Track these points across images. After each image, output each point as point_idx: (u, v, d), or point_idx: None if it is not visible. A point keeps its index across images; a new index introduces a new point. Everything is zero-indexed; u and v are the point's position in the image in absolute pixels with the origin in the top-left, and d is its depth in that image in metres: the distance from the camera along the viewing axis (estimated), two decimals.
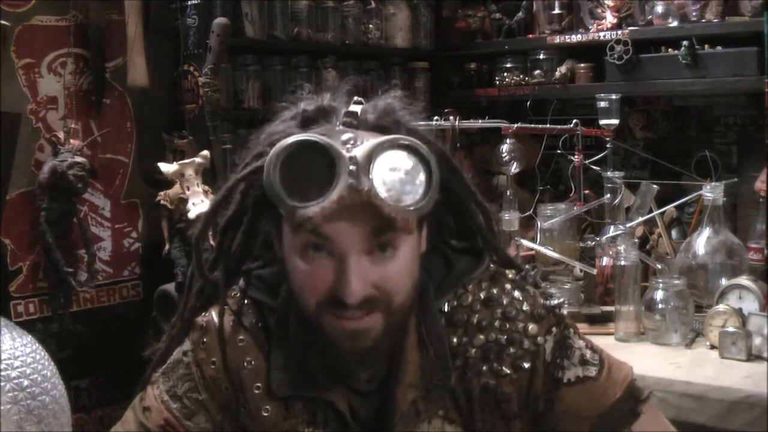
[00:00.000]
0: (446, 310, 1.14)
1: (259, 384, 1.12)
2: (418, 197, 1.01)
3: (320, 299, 1.03)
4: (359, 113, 1.07)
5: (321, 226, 0.99)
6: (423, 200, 1.01)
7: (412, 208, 1.00)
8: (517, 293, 1.15)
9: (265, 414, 1.12)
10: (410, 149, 1.02)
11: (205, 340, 1.16)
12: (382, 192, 0.99)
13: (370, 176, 0.98)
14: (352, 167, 0.98)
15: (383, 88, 1.14)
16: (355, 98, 1.11)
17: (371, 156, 0.99)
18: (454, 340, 1.12)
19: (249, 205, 1.13)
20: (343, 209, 0.98)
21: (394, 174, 1.00)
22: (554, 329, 1.14)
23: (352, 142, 1.01)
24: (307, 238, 1.02)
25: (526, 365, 1.12)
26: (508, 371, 1.11)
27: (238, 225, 1.14)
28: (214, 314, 1.16)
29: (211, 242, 1.20)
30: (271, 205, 1.03)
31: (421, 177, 1.01)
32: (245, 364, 1.13)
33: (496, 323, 1.13)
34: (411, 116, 1.11)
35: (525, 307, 1.14)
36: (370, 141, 1.01)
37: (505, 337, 1.12)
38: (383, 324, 1.04)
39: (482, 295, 1.14)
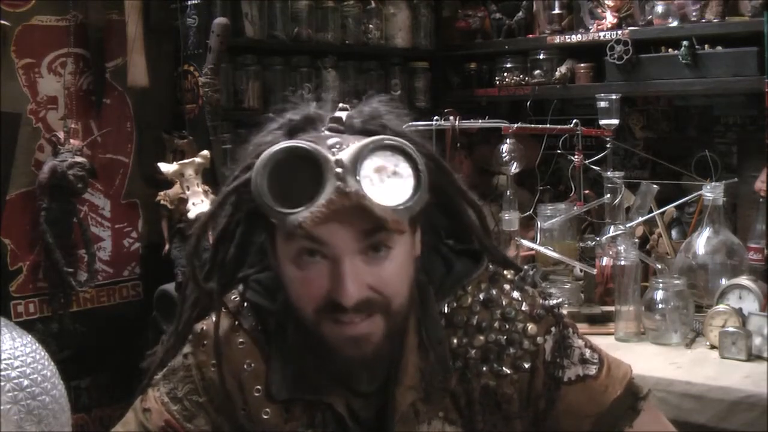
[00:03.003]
0: (446, 311, 1.14)
1: (259, 387, 1.12)
2: (407, 196, 1.00)
3: (318, 305, 1.02)
4: (344, 118, 1.07)
5: (312, 231, 0.98)
6: (412, 199, 1.00)
7: (401, 208, 0.99)
8: (516, 294, 1.16)
9: (265, 417, 1.12)
10: (396, 149, 1.01)
11: (205, 343, 1.16)
12: (371, 193, 0.98)
13: (358, 178, 0.98)
14: (338, 170, 0.97)
15: (368, 93, 1.14)
16: (341, 105, 1.10)
17: (357, 158, 0.99)
18: (454, 341, 1.12)
19: (241, 219, 1.12)
20: (333, 212, 0.97)
21: (382, 174, 1.00)
22: (553, 329, 1.15)
23: (338, 146, 1.01)
24: (300, 244, 1.01)
25: (526, 365, 1.12)
26: (509, 372, 1.12)
27: (231, 239, 1.14)
28: (214, 318, 1.16)
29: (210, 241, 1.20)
30: (264, 216, 1.02)
31: (409, 176, 1.01)
32: (245, 366, 1.13)
33: (496, 324, 1.13)
34: (397, 119, 1.11)
35: (524, 308, 1.14)
36: (356, 143, 1.00)
37: (505, 337, 1.12)
38: (384, 328, 1.04)
39: (481, 297, 1.15)
